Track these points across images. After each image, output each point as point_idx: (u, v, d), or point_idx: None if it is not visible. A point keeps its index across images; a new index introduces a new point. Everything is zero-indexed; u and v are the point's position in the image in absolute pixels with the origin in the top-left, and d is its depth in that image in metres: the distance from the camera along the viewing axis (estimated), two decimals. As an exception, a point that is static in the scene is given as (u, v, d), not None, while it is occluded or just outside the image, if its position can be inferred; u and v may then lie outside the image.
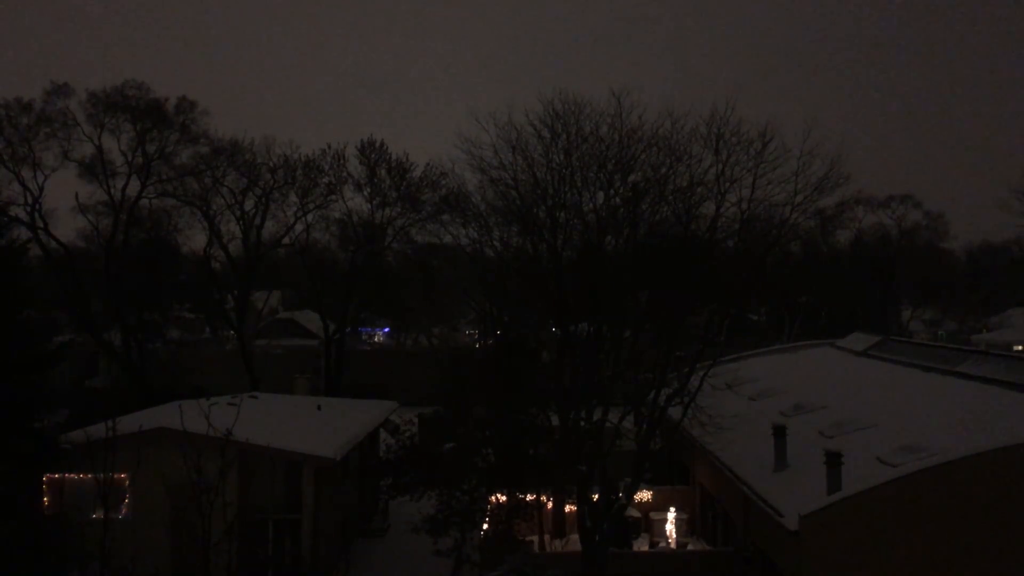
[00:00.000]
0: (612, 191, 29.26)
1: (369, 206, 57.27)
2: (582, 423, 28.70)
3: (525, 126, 28.95)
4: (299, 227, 58.83)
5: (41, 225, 53.02)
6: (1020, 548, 20.34)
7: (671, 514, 33.62)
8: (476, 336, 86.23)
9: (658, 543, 32.99)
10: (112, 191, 54.85)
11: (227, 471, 22.92)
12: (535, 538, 31.98)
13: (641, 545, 32.60)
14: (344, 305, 59.63)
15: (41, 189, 52.80)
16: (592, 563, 27.42)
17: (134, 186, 54.99)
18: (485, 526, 31.52)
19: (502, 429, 31.01)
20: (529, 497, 31.51)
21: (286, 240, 61.16)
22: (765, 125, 27.55)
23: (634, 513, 32.96)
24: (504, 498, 31.46)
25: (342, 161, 56.50)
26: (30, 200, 52.46)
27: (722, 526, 31.14)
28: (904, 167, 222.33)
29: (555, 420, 30.28)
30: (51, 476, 29.34)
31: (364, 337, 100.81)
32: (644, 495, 34.18)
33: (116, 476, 24.64)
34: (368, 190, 56.87)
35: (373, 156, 56.91)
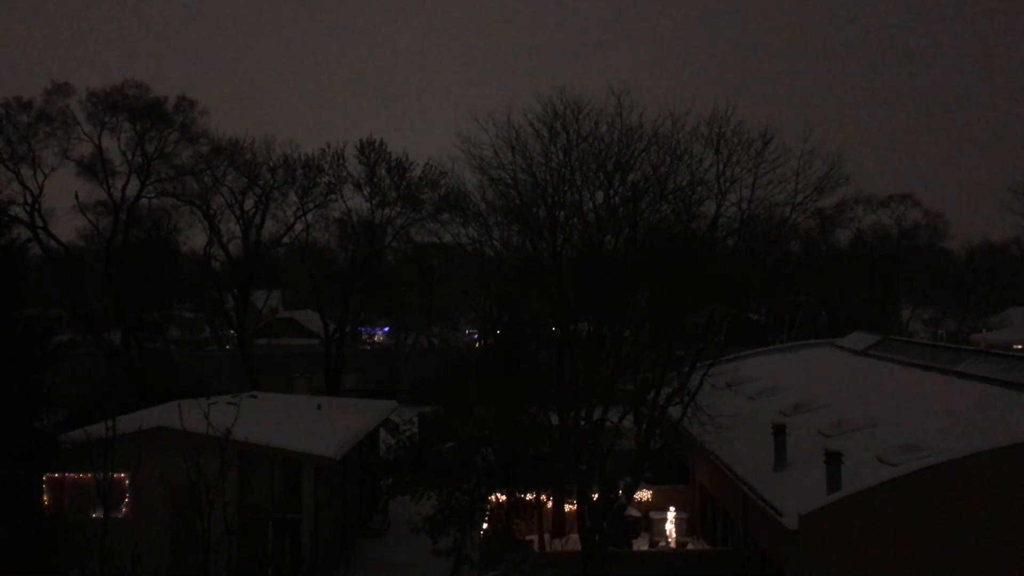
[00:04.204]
0: (612, 190, 29.28)
1: (369, 205, 57.23)
2: (582, 422, 28.70)
3: (524, 126, 29.03)
4: (299, 227, 58.76)
5: (41, 224, 52.99)
6: (1020, 548, 20.33)
7: (671, 513, 33.63)
8: (476, 336, 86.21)
9: (658, 542, 32.99)
10: (112, 190, 54.85)
11: (227, 471, 22.87)
12: (535, 537, 31.98)
13: (641, 544, 32.60)
14: (344, 305, 59.61)
15: (41, 188, 52.78)
16: (592, 562, 27.42)
17: (134, 185, 54.99)
18: (485, 526, 31.52)
19: (502, 428, 31.01)
20: (529, 496, 31.51)
21: (286, 240, 61.13)
22: (766, 125, 27.64)
23: (634, 512, 32.96)
24: (504, 498, 31.46)
25: (342, 161, 56.42)
26: (30, 199, 52.43)
27: (722, 525, 31.15)
28: (904, 167, 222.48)
29: (555, 419, 30.29)
30: (51, 476, 29.32)
31: (364, 337, 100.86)
32: (644, 494, 34.18)
33: (116, 476, 24.63)
34: (368, 189, 56.78)
35: (372, 155, 56.81)
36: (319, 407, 38.01)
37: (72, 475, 28.86)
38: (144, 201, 56.31)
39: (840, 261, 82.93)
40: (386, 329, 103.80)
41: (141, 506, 28.63)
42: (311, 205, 57.44)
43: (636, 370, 29.62)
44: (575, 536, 30.15)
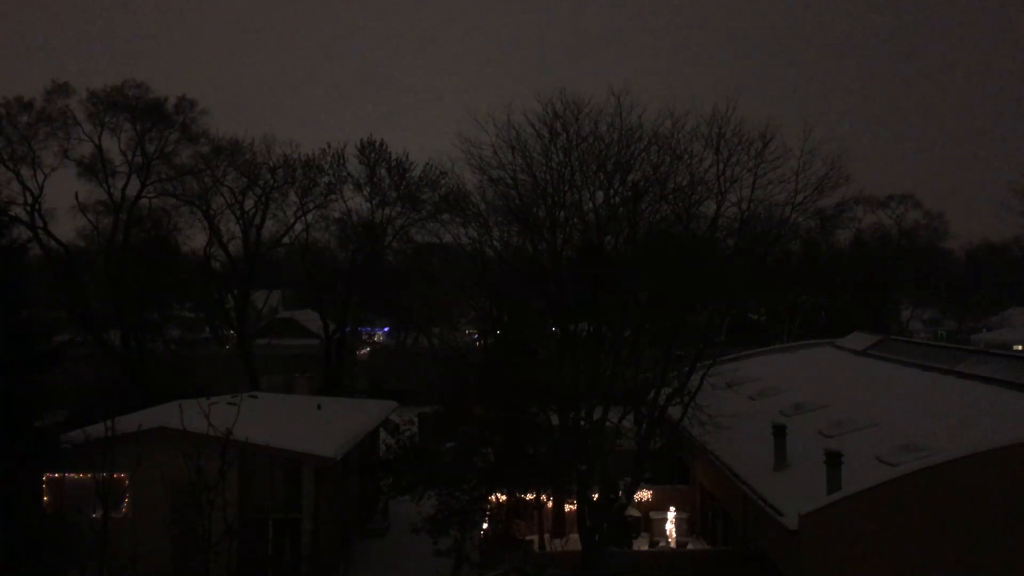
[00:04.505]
0: (612, 190, 29.30)
1: (369, 205, 57.29)
2: (582, 422, 28.71)
3: (524, 126, 29.06)
4: (299, 227, 58.79)
5: (41, 225, 52.98)
6: (1020, 548, 20.33)
7: (671, 513, 33.64)
8: (476, 336, 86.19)
9: (658, 542, 33.00)
10: (112, 190, 54.86)
11: (227, 471, 22.89)
12: (535, 537, 31.98)
13: (641, 544, 32.61)
14: (344, 305, 59.63)
15: (41, 188, 52.80)
16: (592, 562, 27.43)
17: (134, 186, 55.01)
18: (485, 526, 31.52)
19: (502, 429, 31.01)
20: (529, 497, 31.52)
21: (286, 240, 61.12)
22: (766, 125, 27.67)
23: (634, 512, 32.97)
24: (504, 498, 31.46)
25: (342, 160, 56.47)
26: (30, 199, 52.44)
27: (722, 525, 31.15)
28: (904, 167, 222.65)
29: (555, 419, 30.29)
30: (51, 476, 29.31)
31: (364, 337, 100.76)
32: (644, 494, 34.19)
33: (116, 476, 24.65)
34: (368, 189, 56.83)
35: (373, 155, 56.86)
36: (319, 407, 38.00)
37: (72, 475, 28.85)
38: (144, 201, 56.37)
39: (840, 261, 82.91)
40: (386, 329, 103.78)
41: (141, 506, 28.61)
42: (311, 205, 57.51)
43: (636, 370, 29.63)
44: (575, 536, 30.15)
